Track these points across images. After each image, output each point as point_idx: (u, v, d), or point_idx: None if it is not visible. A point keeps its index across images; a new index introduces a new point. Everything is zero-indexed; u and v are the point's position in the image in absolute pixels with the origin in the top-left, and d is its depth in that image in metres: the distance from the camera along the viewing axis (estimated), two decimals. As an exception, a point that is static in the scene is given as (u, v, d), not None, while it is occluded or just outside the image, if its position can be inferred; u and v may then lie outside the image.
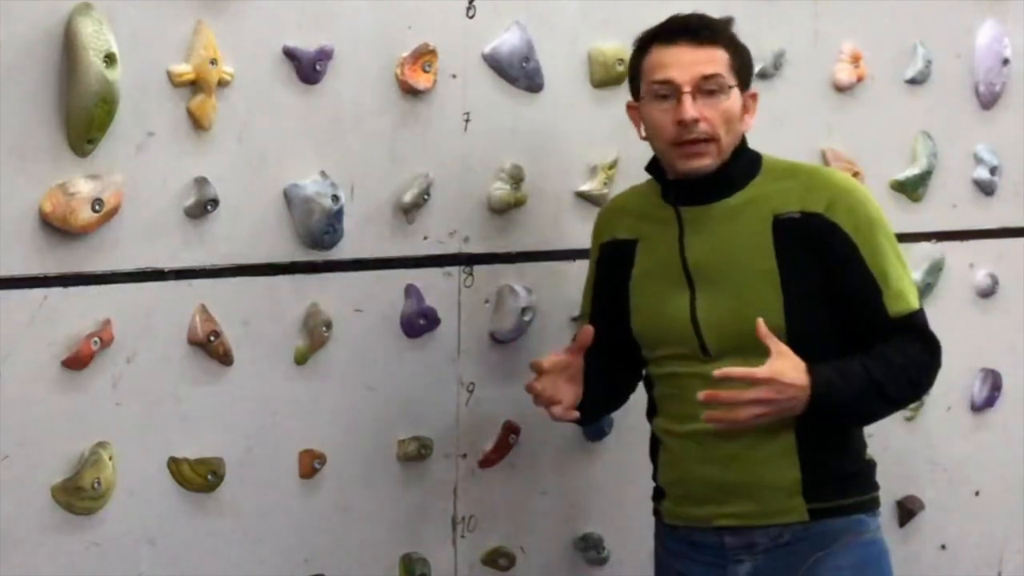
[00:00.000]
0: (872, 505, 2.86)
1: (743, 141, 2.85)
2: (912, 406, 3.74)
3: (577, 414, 2.85)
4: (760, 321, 2.68)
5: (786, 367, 2.67)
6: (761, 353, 2.67)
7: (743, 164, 2.83)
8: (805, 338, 2.72)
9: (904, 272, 2.82)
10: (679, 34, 2.79)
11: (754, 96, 2.86)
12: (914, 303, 2.80)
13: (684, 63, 2.77)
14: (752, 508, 2.79)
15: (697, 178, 2.80)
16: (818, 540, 2.79)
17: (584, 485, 3.39)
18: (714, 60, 2.78)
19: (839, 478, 2.81)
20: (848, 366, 2.72)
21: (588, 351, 2.87)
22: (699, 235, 2.81)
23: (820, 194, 2.78)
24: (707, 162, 2.78)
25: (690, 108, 2.75)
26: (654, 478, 2.96)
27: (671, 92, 2.77)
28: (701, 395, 2.67)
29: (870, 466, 2.89)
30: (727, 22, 2.87)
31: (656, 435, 2.93)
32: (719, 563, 2.83)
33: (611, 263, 2.94)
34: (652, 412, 2.95)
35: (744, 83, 2.83)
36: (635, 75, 2.86)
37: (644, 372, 2.97)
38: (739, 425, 2.69)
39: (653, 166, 2.89)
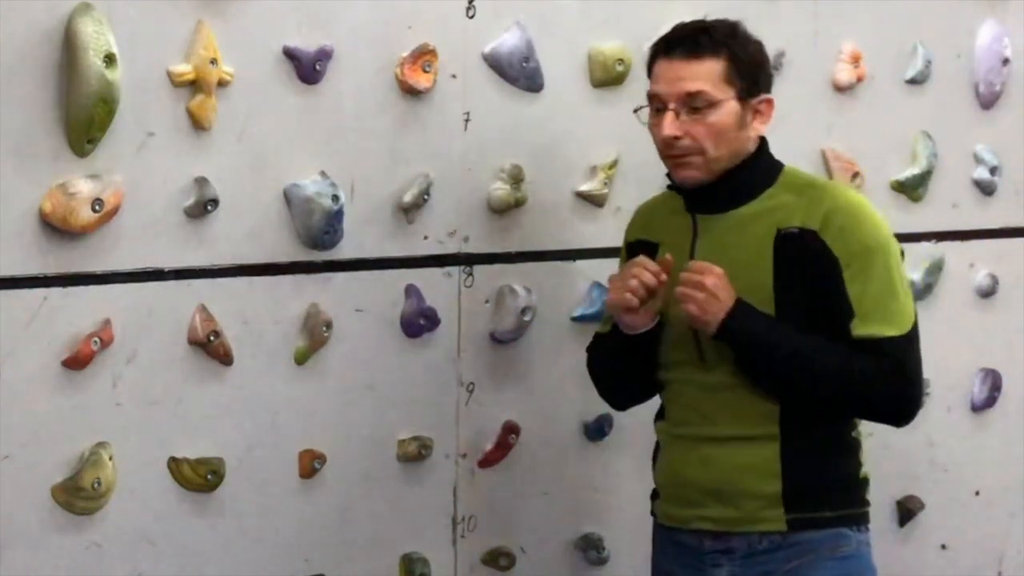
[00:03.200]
0: (857, 520, 2.83)
1: (762, 150, 2.82)
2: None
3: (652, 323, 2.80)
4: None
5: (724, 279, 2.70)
6: None
7: (758, 174, 2.81)
8: None
9: (891, 299, 2.74)
10: (674, 46, 2.77)
11: (768, 102, 2.80)
12: (887, 330, 2.72)
13: (671, 78, 2.75)
14: (731, 514, 2.79)
15: (704, 186, 2.78)
16: (794, 551, 2.77)
17: (584, 485, 3.39)
18: (702, 75, 2.74)
19: (821, 490, 2.79)
20: (783, 325, 2.72)
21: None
22: (708, 243, 2.80)
23: (819, 211, 2.75)
24: (693, 173, 2.76)
25: (668, 126, 2.73)
26: (655, 479, 2.96)
27: (661, 106, 2.76)
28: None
29: (860, 483, 2.85)
30: (731, 27, 2.79)
31: (658, 438, 2.93)
32: (699, 566, 2.83)
33: None
34: (658, 416, 2.93)
35: (748, 89, 2.77)
36: None
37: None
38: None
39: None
